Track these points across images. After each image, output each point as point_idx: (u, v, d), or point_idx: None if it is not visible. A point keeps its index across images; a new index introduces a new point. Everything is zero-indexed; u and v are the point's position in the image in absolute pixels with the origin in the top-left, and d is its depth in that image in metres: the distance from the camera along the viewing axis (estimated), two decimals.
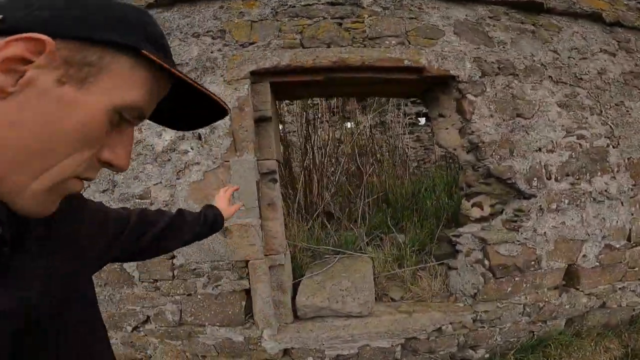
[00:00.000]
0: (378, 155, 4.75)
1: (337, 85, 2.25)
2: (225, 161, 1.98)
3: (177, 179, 2.06)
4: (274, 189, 2.10)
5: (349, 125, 5.32)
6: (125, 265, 2.12)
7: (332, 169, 3.84)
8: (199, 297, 2.10)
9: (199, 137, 2.04)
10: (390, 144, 5.28)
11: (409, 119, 7.58)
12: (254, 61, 2.05)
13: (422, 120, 9.60)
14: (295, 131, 4.27)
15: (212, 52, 2.12)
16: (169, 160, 2.08)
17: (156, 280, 2.11)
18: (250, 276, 2.04)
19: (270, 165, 2.06)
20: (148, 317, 2.14)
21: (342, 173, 3.87)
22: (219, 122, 2.04)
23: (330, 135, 4.00)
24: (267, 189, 2.09)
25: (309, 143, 3.65)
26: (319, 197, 3.39)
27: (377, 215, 3.42)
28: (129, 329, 2.15)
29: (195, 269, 2.11)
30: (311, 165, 3.53)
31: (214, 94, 0.51)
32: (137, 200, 2.12)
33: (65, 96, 0.39)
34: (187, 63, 2.12)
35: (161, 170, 2.08)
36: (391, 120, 6.15)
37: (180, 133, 2.05)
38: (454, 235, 2.54)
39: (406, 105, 7.71)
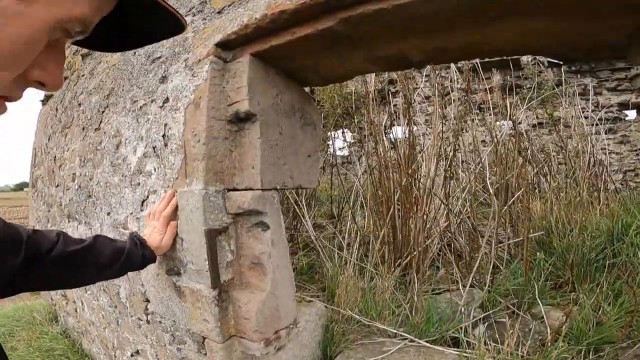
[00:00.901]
0: (541, 166, 2.97)
1: (389, 39, 1.08)
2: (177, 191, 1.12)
3: (141, 210, 1.34)
4: (261, 239, 1.10)
5: (498, 123, 3.64)
6: (121, 294, 1.66)
7: (450, 189, 2.46)
8: (167, 351, 1.41)
9: (158, 155, 1.25)
10: (568, 150, 3.30)
11: (606, 112, 5.03)
12: (222, 29, 1.14)
13: (632, 114, 6.36)
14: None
15: (186, 33, 1.33)
16: (138, 184, 1.39)
17: (139, 319, 1.58)
18: (209, 358, 1.15)
19: (245, 201, 1.06)
20: (138, 350, 1.65)
21: (469, 195, 2.44)
22: (174, 129, 1.20)
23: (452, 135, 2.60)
24: (251, 238, 1.11)
25: (415, 150, 2.41)
26: (421, 234, 2.12)
27: (515, 273, 1.89)
28: (128, 354, 1.73)
29: (160, 322, 1.42)
30: (414, 183, 2.29)
31: (170, 6, 0.42)
32: (121, 230, 1.56)
33: (4, 9, 0.31)
34: (158, 57, 1.41)
35: (133, 197, 1.42)
36: (572, 116, 4.05)
37: (147, 149, 1.32)
38: None
39: (600, 93, 5.11)
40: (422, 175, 2.46)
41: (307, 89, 1.60)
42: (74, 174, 2.12)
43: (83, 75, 2.26)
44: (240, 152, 1.12)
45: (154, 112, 1.29)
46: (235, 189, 1.10)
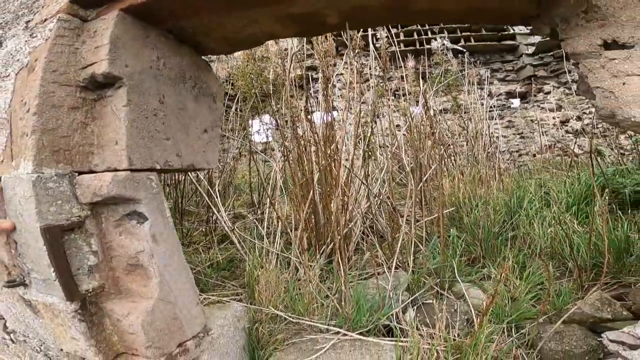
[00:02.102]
0: (448, 147, 3.10)
1: None
2: None
3: None
4: (137, 235, 0.81)
5: (412, 108, 3.72)
6: None
7: (370, 169, 2.39)
8: None
9: None
10: (469, 131, 3.51)
11: (497, 100, 5.56)
12: None
13: (515, 102, 7.23)
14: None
15: None
16: None
17: (4, 338, 1.20)
18: None
19: (103, 184, 0.76)
20: None
21: (387, 175, 2.39)
22: (0, 100, 0.79)
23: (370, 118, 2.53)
24: (123, 234, 0.82)
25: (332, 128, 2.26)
26: (341, 215, 1.99)
27: (434, 252, 1.89)
28: None
29: (25, 341, 1.08)
30: (334, 164, 2.14)
31: None
32: None
33: None
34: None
35: None
36: (471, 102, 4.31)
37: None
38: (614, 341, 0.95)
39: (492, 83, 5.67)
40: (341, 156, 2.34)
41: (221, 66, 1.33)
42: None
43: None
44: (101, 125, 0.80)
45: None
46: (92, 172, 0.79)
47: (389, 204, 2.24)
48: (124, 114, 0.77)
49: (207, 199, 2.18)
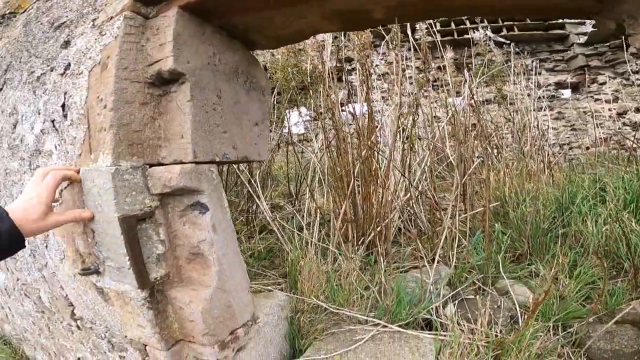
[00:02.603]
0: (492, 139, 2.97)
1: None
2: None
3: None
4: (199, 225, 0.86)
5: (451, 100, 3.59)
6: (43, 298, 1.35)
7: (409, 161, 2.35)
8: (110, 359, 1.16)
9: (58, 129, 0.95)
10: (516, 123, 3.33)
11: (545, 90, 5.22)
12: None
13: (566, 93, 6.75)
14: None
15: None
16: (38, 167, 1.08)
17: (69, 325, 1.30)
18: None
19: (173, 176, 0.81)
20: (79, 357, 1.36)
21: (427, 167, 2.34)
22: (76, 97, 0.78)
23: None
24: (186, 224, 0.87)
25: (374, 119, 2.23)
26: (383, 207, 1.99)
27: (476, 247, 1.83)
28: None
29: (91, 328, 1.16)
30: (374, 155, 2.13)
31: None
32: None
33: None
34: (62, 23, 1.09)
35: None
36: (517, 93, 4.09)
37: (45, 124, 1.01)
38: None
39: (540, 73, 5.32)
40: (381, 148, 2.32)
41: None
42: None
43: None
44: (167, 119, 0.85)
45: (53, 81, 0.97)
46: (160, 164, 0.84)
47: (430, 196, 2.20)
48: (189, 109, 0.82)
49: (249, 188, 2.25)
